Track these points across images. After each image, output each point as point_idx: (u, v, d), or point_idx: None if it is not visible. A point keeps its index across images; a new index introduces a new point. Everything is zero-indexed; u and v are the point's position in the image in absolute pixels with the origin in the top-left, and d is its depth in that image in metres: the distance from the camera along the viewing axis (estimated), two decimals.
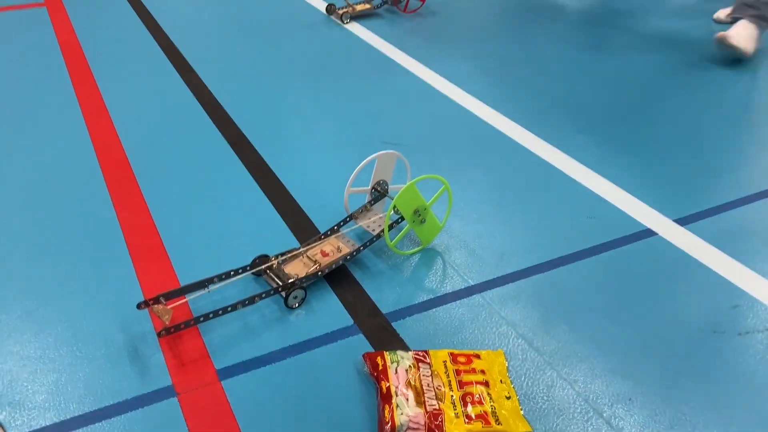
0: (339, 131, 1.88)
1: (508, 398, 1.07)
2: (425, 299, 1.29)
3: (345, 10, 2.66)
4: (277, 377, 1.12)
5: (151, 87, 2.12)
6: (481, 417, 1.02)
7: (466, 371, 1.10)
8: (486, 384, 1.08)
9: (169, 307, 1.18)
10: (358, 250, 1.35)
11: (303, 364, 1.15)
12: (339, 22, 2.65)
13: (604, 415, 1.07)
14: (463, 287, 1.33)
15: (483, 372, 1.10)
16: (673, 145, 1.84)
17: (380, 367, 1.08)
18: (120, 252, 1.40)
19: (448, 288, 1.33)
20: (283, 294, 1.25)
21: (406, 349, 1.17)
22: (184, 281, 1.32)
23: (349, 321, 1.24)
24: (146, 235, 1.45)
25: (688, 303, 1.30)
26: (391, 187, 1.48)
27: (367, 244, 1.37)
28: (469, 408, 1.03)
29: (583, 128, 1.92)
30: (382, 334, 1.21)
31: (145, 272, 1.35)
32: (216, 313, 1.19)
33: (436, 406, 1.03)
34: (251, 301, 1.22)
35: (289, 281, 1.26)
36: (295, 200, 1.57)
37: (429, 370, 1.09)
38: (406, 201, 1.34)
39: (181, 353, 1.16)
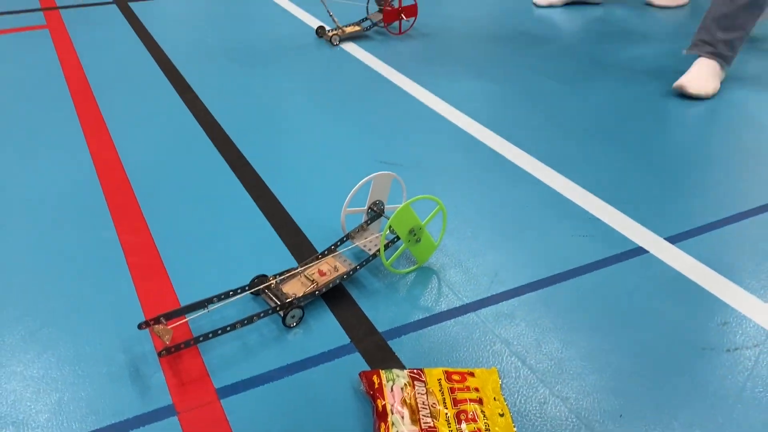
0: (336, 151, 1.92)
1: (502, 415, 1.09)
2: (421, 317, 1.32)
3: (335, 32, 2.69)
4: (276, 395, 1.15)
5: (151, 107, 2.15)
6: None
7: (460, 389, 1.12)
8: (480, 401, 1.10)
9: (169, 327, 1.21)
10: (354, 270, 1.38)
11: (301, 383, 1.17)
12: (329, 44, 2.69)
13: (596, 431, 1.09)
14: (458, 305, 1.35)
15: (477, 390, 1.12)
16: (664, 165, 1.88)
17: (376, 386, 1.11)
18: (121, 272, 1.43)
19: (443, 306, 1.35)
20: (281, 313, 1.27)
21: (401, 367, 1.19)
22: (184, 301, 1.34)
23: (345, 340, 1.26)
24: (147, 255, 1.48)
25: (678, 320, 1.32)
26: (387, 206, 1.51)
27: (364, 263, 1.39)
28: (464, 425, 1.05)
29: (576, 148, 1.96)
30: (378, 353, 1.23)
31: (145, 292, 1.37)
32: (215, 333, 1.22)
33: (431, 424, 1.05)
34: (250, 320, 1.25)
35: (287, 301, 1.28)
36: (293, 220, 1.60)
37: (424, 388, 1.11)
38: (402, 221, 1.37)
39: (181, 372, 1.18)
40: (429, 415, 1.06)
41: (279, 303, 1.28)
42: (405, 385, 1.11)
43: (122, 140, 1.95)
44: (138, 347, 1.24)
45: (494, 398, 1.12)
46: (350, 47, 2.67)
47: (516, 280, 1.42)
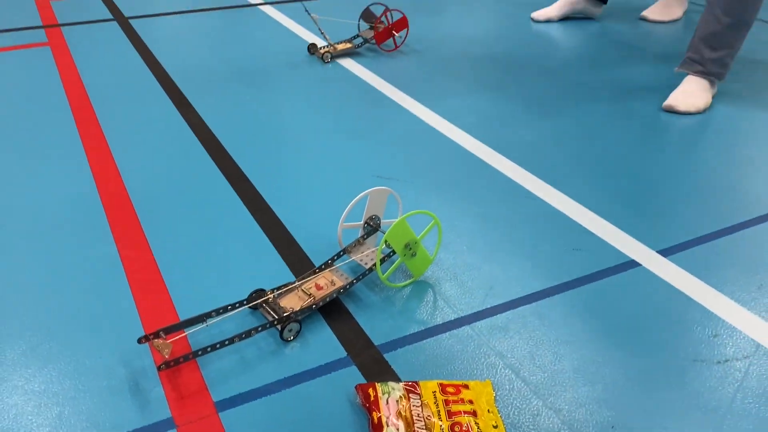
0: (332, 165, 1.94)
1: (496, 427, 1.11)
2: (416, 331, 1.34)
3: (326, 49, 2.71)
4: (273, 408, 1.16)
5: (151, 123, 2.18)
6: None
7: (454, 401, 1.14)
8: (474, 414, 1.12)
9: (168, 341, 1.22)
10: (351, 284, 1.40)
11: (298, 396, 1.19)
12: (320, 60, 2.72)
13: None
14: (453, 318, 1.38)
15: (471, 402, 1.14)
16: (656, 179, 1.90)
17: (372, 398, 1.12)
18: (121, 287, 1.45)
19: (439, 319, 1.37)
20: (279, 327, 1.29)
21: (397, 380, 1.21)
22: (182, 315, 1.36)
23: (342, 353, 1.28)
24: (146, 270, 1.50)
25: (669, 332, 1.35)
26: (383, 221, 1.54)
27: (360, 277, 1.42)
28: None
29: (569, 162, 1.99)
30: (375, 366, 1.25)
31: (145, 307, 1.39)
32: (214, 347, 1.24)
33: None
34: (248, 334, 1.27)
35: (285, 315, 1.30)
36: (291, 234, 1.63)
37: (419, 401, 1.13)
38: (397, 235, 1.39)
39: (180, 386, 1.20)
40: (424, 427, 1.08)
41: (276, 317, 1.30)
42: (400, 397, 1.13)
43: (122, 156, 1.98)
44: (138, 361, 1.26)
45: (488, 410, 1.14)
46: (345, 62, 2.70)
47: (510, 293, 1.45)
